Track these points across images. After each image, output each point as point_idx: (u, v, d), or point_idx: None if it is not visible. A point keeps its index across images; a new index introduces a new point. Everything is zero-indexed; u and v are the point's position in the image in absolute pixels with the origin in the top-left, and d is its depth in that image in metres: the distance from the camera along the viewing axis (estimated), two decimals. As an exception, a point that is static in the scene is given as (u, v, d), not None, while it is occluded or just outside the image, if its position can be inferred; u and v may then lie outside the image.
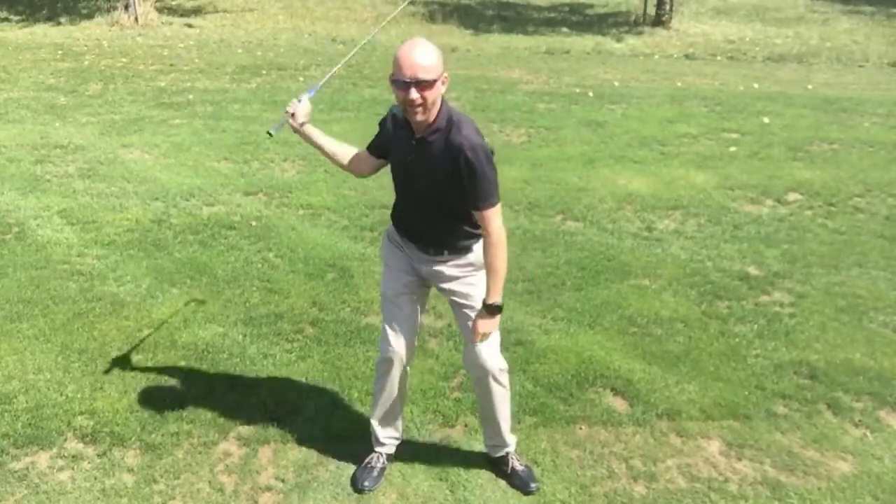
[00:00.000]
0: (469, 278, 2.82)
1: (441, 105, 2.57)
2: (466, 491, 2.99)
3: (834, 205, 6.30)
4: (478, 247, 2.78)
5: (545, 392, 3.61)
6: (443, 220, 2.73)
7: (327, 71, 3.22)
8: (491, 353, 2.85)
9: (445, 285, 2.85)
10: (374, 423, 3.07)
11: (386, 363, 2.91)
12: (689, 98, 10.43)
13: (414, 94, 2.45)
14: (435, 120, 2.57)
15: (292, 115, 2.81)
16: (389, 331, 2.88)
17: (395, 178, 2.82)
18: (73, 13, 17.84)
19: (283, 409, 3.43)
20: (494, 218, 2.61)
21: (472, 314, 2.80)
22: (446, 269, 2.81)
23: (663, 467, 3.15)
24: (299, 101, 2.84)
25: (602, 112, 9.47)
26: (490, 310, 2.70)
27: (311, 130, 2.88)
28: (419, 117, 2.52)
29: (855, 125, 9.05)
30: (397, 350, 2.87)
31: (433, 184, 2.63)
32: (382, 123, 2.83)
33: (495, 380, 2.89)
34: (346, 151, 2.94)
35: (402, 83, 2.46)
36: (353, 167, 2.95)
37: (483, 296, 2.73)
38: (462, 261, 2.80)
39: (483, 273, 2.74)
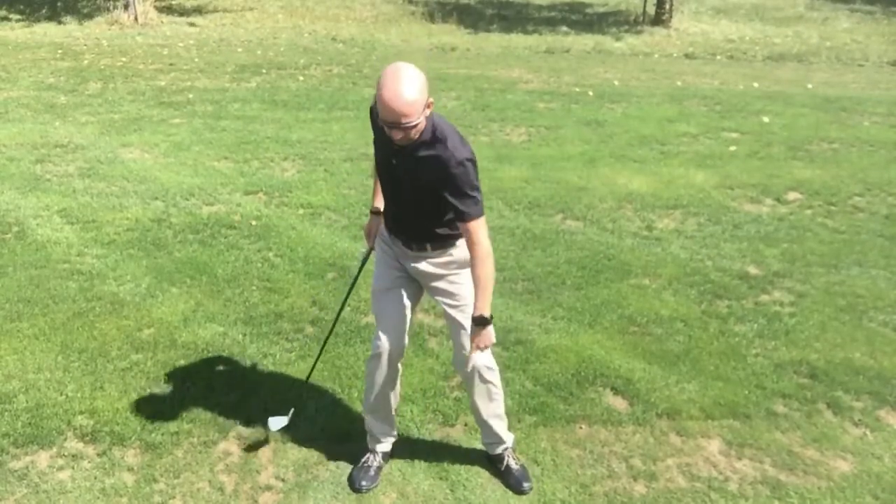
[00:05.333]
0: (453, 276, 2.82)
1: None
2: (466, 490, 2.99)
3: (834, 204, 6.30)
4: (461, 242, 2.75)
5: (545, 391, 3.61)
6: (424, 218, 2.71)
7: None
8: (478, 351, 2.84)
9: (432, 284, 2.85)
10: (367, 420, 3.07)
11: (374, 359, 2.90)
12: (689, 97, 10.43)
13: (399, 134, 2.44)
14: (419, 136, 2.50)
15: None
16: (379, 326, 2.89)
17: (379, 173, 2.81)
18: (73, 12, 17.83)
19: (283, 409, 3.43)
20: (479, 230, 2.57)
21: (460, 316, 2.80)
22: (430, 267, 2.81)
23: (663, 466, 3.15)
24: None
25: (602, 111, 9.46)
26: (478, 322, 2.66)
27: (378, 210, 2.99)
28: (403, 143, 2.50)
29: (855, 124, 9.04)
30: (385, 345, 2.85)
31: (417, 191, 2.61)
32: (373, 119, 2.68)
33: (481, 378, 2.88)
34: None
35: (386, 124, 2.42)
36: None
37: (471, 295, 2.70)
38: (445, 258, 2.79)
39: (468, 271, 2.71)
